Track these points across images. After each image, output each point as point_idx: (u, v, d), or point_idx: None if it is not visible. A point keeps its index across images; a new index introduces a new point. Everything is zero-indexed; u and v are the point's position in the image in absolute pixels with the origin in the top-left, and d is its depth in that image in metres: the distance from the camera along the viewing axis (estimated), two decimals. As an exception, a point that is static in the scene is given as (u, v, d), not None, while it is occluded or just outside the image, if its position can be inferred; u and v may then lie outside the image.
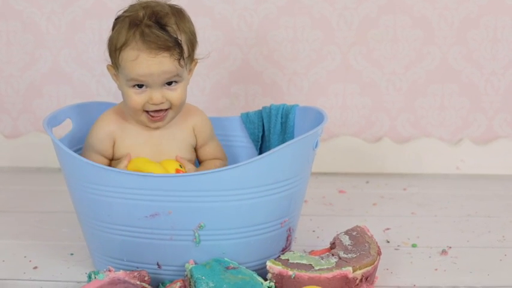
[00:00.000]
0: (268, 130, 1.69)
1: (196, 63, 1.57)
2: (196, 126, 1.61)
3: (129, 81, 1.49)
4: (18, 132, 2.13)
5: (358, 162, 2.09)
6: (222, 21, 2.04)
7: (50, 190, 1.95)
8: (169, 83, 1.50)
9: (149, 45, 1.46)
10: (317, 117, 1.57)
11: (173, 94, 1.51)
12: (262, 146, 1.71)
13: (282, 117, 1.67)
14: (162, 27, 1.47)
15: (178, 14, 1.52)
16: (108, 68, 1.55)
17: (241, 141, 1.72)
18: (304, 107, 1.66)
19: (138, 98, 1.50)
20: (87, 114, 1.67)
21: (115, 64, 1.52)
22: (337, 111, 2.09)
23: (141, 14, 1.48)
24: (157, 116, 1.52)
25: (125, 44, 1.47)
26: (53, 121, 1.57)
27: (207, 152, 1.63)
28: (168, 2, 1.53)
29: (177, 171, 1.51)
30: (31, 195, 1.94)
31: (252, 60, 2.06)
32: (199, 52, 1.57)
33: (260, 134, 1.71)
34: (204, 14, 2.02)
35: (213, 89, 2.08)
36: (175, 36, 1.47)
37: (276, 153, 1.42)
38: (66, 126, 1.64)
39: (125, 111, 1.57)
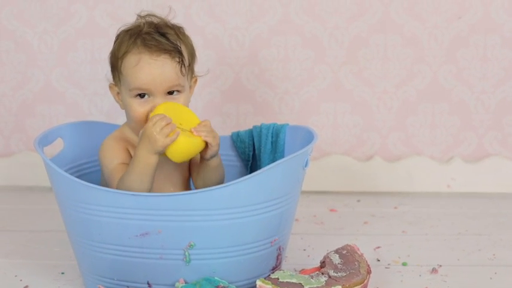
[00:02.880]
0: (259, 149, 1.69)
1: (196, 80, 1.59)
2: None
3: (132, 91, 1.50)
4: (10, 151, 2.13)
5: (349, 180, 2.09)
6: (213, 41, 2.05)
7: (41, 209, 1.95)
8: (171, 93, 1.51)
9: (150, 48, 1.49)
10: (307, 136, 1.57)
11: None
12: (252, 165, 1.72)
13: (272, 137, 1.67)
14: (162, 34, 1.51)
15: (178, 28, 1.56)
16: (110, 88, 1.57)
17: (232, 160, 1.72)
18: (294, 126, 1.66)
19: (141, 108, 1.51)
20: (79, 133, 1.68)
21: (117, 76, 1.53)
22: (328, 130, 2.09)
23: (141, 25, 1.53)
24: None
25: (126, 52, 1.50)
26: (44, 140, 1.58)
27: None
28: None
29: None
30: (22, 214, 1.94)
31: (244, 80, 2.07)
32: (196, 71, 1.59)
33: (251, 153, 1.71)
34: (195, 33, 2.02)
35: (205, 108, 2.08)
36: (175, 42, 1.51)
37: (266, 172, 1.42)
38: (58, 145, 1.64)
39: (127, 131, 1.56)
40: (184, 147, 1.47)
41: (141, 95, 1.51)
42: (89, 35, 2.06)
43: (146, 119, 1.51)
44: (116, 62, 1.53)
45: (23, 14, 2.06)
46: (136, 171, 1.44)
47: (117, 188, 1.47)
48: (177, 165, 1.58)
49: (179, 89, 1.52)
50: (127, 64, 1.50)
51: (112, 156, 1.54)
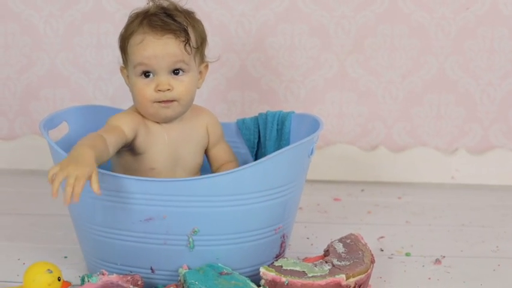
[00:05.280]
0: (264, 136, 1.69)
1: (207, 66, 1.58)
2: (209, 125, 1.61)
3: (136, 68, 1.50)
4: (15, 134, 2.13)
5: (354, 170, 2.09)
6: (220, 27, 2.04)
7: (45, 193, 1.94)
8: (177, 72, 1.50)
9: (155, 28, 1.49)
10: (313, 125, 1.57)
11: (180, 84, 1.50)
12: (257, 152, 1.71)
13: (278, 124, 1.67)
14: (169, 16, 1.51)
15: (188, 13, 1.55)
16: (121, 71, 1.57)
17: (237, 147, 1.72)
18: (300, 114, 1.66)
19: (146, 86, 1.50)
20: (84, 117, 1.68)
21: (125, 57, 1.53)
22: (333, 119, 2.09)
23: (150, 7, 1.53)
24: (167, 102, 1.51)
25: (132, 32, 1.50)
26: (49, 124, 1.57)
27: (221, 152, 1.63)
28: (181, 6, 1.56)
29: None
30: (26, 198, 1.94)
31: (250, 67, 2.06)
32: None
33: (256, 140, 1.71)
34: (202, 19, 2.01)
35: (210, 95, 2.08)
36: (181, 22, 1.50)
37: (272, 160, 1.42)
38: (63, 129, 1.64)
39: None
40: None
41: (146, 74, 1.50)
42: (95, 20, 2.06)
43: (149, 98, 1.50)
44: (123, 43, 1.53)
45: (29, -3, 2.05)
46: None
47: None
48: (191, 150, 1.57)
49: (184, 67, 1.51)
50: (132, 43, 1.50)
51: (119, 118, 1.51)
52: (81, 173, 1.30)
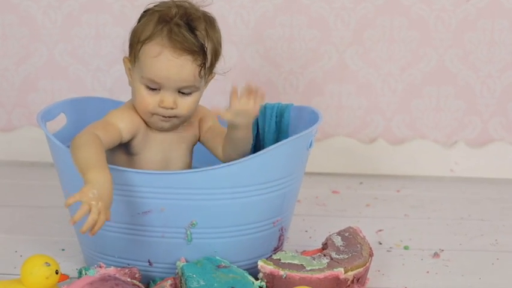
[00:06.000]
0: (263, 129, 1.68)
1: (213, 76, 1.54)
2: (201, 117, 1.58)
3: (144, 79, 1.46)
4: (12, 126, 2.12)
5: (352, 163, 2.09)
6: (218, 19, 2.02)
7: (43, 185, 1.95)
8: (183, 92, 1.47)
9: (174, 44, 1.43)
10: (312, 117, 1.56)
11: (184, 102, 1.48)
12: (256, 144, 1.71)
13: (276, 116, 1.66)
14: (192, 29, 1.45)
15: (210, 21, 1.50)
16: (123, 61, 1.51)
17: (236, 139, 1.71)
18: (299, 106, 1.65)
19: (149, 97, 1.47)
20: (82, 109, 1.67)
21: (133, 57, 1.48)
22: (332, 111, 2.08)
23: (173, 11, 1.45)
24: (167, 117, 1.49)
25: (149, 38, 1.44)
26: (47, 115, 1.57)
27: (216, 129, 1.57)
28: (202, 8, 1.50)
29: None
30: (23, 190, 1.93)
31: (248, 59, 2.06)
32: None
33: (254, 133, 1.70)
34: (200, 11, 2.01)
35: (208, 87, 2.06)
36: (202, 42, 1.45)
37: (270, 152, 1.42)
38: (60, 121, 1.63)
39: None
40: None
41: (152, 88, 1.47)
42: (93, 10, 2.05)
43: (151, 109, 1.47)
44: (135, 44, 1.46)
45: (27, -12, 2.04)
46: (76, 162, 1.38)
47: (73, 138, 1.41)
48: (181, 152, 1.56)
49: (192, 90, 1.48)
50: (146, 52, 1.44)
51: (120, 116, 1.48)
52: (103, 212, 1.31)
